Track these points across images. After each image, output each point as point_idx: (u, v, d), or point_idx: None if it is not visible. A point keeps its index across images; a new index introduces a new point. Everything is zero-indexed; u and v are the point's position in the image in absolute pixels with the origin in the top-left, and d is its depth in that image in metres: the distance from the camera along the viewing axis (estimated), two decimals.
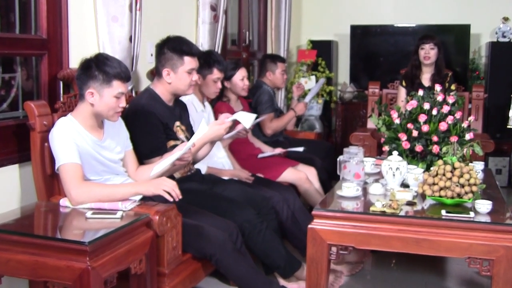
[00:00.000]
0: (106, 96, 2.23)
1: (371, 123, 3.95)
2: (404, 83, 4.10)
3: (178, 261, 2.35)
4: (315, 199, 3.48)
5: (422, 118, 2.79)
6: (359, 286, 2.96)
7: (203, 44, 3.71)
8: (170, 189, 2.19)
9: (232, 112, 3.11)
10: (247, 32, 4.92)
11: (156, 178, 2.27)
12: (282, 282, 2.81)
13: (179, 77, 2.66)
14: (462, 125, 2.79)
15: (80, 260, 1.83)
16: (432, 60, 4.01)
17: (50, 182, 2.33)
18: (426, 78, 4.07)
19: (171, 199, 2.19)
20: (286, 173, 3.56)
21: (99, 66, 2.21)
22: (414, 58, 4.08)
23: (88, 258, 1.83)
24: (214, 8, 3.73)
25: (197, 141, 2.44)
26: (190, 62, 2.66)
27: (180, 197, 2.20)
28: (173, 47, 2.64)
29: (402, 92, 4.07)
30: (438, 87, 2.92)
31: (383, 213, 2.23)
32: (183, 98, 2.89)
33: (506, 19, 5.38)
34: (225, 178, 3.15)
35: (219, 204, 2.69)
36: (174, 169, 2.54)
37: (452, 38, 5.42)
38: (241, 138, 3.19)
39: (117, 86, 2.23)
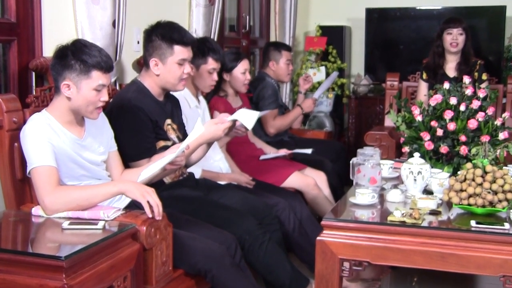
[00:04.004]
0: (84, 89, 2.21)
1: (389, 121, 3.94)
2: (425, 76, 4.09)
3: (169, 278, 2.34)
4: (325, 207, 3.48)
5: (448, 114, 2.78)
6: None
7: (197, 30, 3.70)
8: (155, 204, 2.19)
9: (230, 109, 3.11)
10: (247, 17, 4.91)
11: (145, 185, 2.27)
12: None
13: (168, 68, 2.65)
14: (495, 122, 2.77)
15: (55, 277, 1.82)
16: (460, 47, 4.00)
17: (21, 187, 2.32)
18: (451, 68, 4.06)
19: (150, 215, 2.19)
20: (291, 177, 3.56)
21: (76, 55, 2.20)
22: (436, 44, 4.07)
23: (64, 275, 1.82)
24: None
25: (192, 142, 2.43)
26: (181, 52, 2.65)
27: (160, 218, 2.21)
28: (162, 34, 2.64)
29: (423, 86, 4.07)
30: (467, 79, 2.91)
31: (402, 224, 2.22)
32: (175, 93, 2.88)
33: None
34: (222, 183, 3.15)
35: (215, 213, 2.69)
36: (164, 173, 2.55)
37: (484, 22, 5.39)
38: (240, 138, 3.19)
39: (97, 78, 2.22)
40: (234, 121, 2.62)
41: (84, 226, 2.08)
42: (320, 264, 2.25)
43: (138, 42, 3.20)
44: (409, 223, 2.21)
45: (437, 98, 2.85)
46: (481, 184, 2.29)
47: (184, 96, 3.11)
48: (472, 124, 2.75)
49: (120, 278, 2.04)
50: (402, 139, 2.95)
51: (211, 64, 3.16)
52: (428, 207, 2.37)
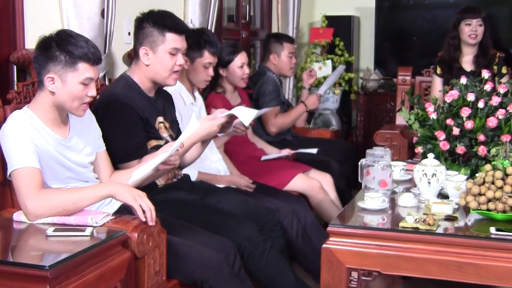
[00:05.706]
0: (70, 82, 2.21)
1: (400, 119, 3.94)
2: (439, 71, 4.09)
3: None
4: (331, 212, 3.48)
5: (465, 112, 2.77)
6: None
7: (193, 20, 3.71)
8: (147, 208, 2.19)
9: (229, 106, 3.11)
10: (247, 6, 4.92)
11: (136, 188, 2.27)
12: None
13: (159, 58, 2.64)
14: None
15: None
16: (479, 39, 4.00)
17: (1, 191, 2.32)
18: (467, 61, 4.07)
19: (143, 219, 2.18)
20: (295, 180, 3.56)
21: (60, 45, 2.19)
22: (452, 35, 4.07)
23: (48, 286, 1.81)
24: None
25: (186, 140, 2.43)
26: (173, 40, 2.64)
27: (153, 223, 2.21)
28: (154, 21, 2.64)
29: (437, 82, 4.07)
30: (485, 73, 2.91)
31: (415, 230, 2.22)
32: (169, 88, 2.88)
33: None
34: (220, 186, 3.15)
35: (212, 218, 2.69)
36: (156, 175, 2.54)
37: (505, 11, 5.39)
38: (239, 137, 3.20)
39: (84, 70, 2.21)
40: (231, 117, 2.62)
41: (70, 233, 2.07)
42: (326, 273, 2.24)
43: (129, 34, 3.19)
44: (423, 230, 2.21)
45: (453, 94, 2.85)
46: (501, 188, 2.28)
47: (179, 92, 3.11)
48: (492, 122, 2.74)
49: None
50: (415, 139, 2.95)
51: (207, 58, 3.16)
52: (443, 212, 2.36)
